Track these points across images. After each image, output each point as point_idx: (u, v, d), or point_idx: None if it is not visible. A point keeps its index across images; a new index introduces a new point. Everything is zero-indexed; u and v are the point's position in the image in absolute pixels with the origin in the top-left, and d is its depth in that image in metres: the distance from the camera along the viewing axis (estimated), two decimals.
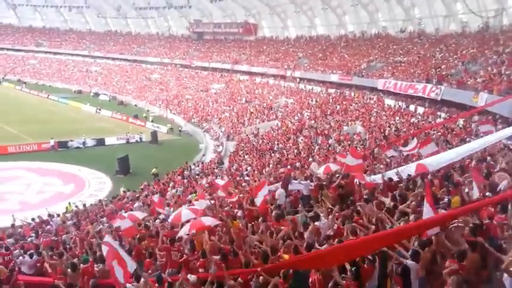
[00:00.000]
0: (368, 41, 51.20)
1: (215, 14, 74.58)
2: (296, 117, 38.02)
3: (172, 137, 42.47)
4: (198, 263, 8.09)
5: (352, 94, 41.07)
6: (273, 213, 11.22)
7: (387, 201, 9.48)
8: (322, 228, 8.77)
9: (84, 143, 36.39)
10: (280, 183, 12.93)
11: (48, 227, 15.85)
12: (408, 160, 14.89)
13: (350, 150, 14.70)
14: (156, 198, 15.97)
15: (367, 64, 44.45)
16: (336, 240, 7.38)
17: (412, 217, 7.51)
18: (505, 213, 7.07)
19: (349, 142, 25.05)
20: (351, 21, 58.11)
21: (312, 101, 42.66)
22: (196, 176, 24.71)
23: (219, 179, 18.44)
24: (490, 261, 5.92)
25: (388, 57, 43.56)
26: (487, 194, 8.64)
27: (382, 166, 14.60)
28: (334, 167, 14.07)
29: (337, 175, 13.07)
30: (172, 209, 13.70)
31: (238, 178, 20.76)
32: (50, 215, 17.55)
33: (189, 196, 17.34)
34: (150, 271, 8.61)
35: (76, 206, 20.14)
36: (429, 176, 10.88)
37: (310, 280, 6.43)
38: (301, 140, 29.86)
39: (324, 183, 12.22)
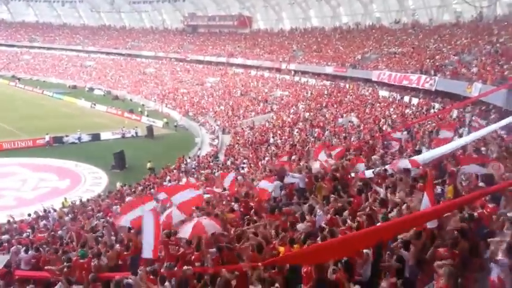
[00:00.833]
0: (362, 33, 51.16)
1: (209, 7, 74.17)
2: (291, 110, 38.05)
3: (168, 131, 42.40)
4: (193, 257, 8.15)
5: (347, 86, 41.11)
6: (268, 206, 11.34)
7: (382, 191, 9.61)
8: (317, 220, 8.86)
9: (79, 138, 36.28)
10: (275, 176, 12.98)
11: (45, 222, 15.88)
12: (403, 154, 14.98)
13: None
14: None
15: (362, 56, 44.45)
16: (327, 230, 7.43)
17: (403, 207, 7.62)
18: (496, 203, 7.18)
19: (344, 134, 25.12)
20: (345, 13, 58.01)
21: (307, 93, 42.68)
22: (193, 170, 24.76)
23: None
24: (482, 249, 6.02)
25: (382, 49, 43.57)
26: (480, 184, 8.76)
27: (377, 157, 14.67)
28: (329, 159, 14.13)
29: (332, 167, 13.18)
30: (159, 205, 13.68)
31: (234, 171, 20.78)
32: (45, 210, 17.55)
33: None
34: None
35: (73, 202, 20.14)
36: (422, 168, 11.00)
37: (303, 271, 6.53)
38: (297, 132, 29.92)
39: (319, 175, 12.29)
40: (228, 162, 25.89)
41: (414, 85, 32.25)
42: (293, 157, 19.20)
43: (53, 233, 13.58)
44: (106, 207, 17.24)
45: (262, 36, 65.28)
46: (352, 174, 12.24)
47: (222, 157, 29.86)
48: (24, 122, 40.53)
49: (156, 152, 32.38)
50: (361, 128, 25.64)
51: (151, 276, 7.42)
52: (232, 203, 12.13)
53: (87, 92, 62.74)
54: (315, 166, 13.94)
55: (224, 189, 15.06)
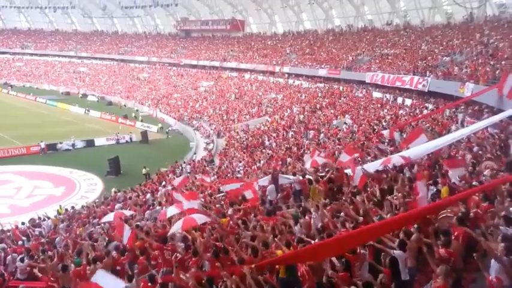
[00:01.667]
0: (355, 35, 51.44)
1: (202, 11, 74.26)
2: (286, 113, 38.11)
3: (162, 136, 42.30)
4: (191, 262, 8.14)
5: (341, 88, 41.26)
6: (264, 209, 11.36)
7: (376, 193, 9.64)
8: (313, 223, 8.86)
9: (73, 145, 36.06)
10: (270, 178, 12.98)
11: (39, 229, 15.75)
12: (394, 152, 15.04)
13: (345, 148, 14.91)
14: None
15: (355, 58, 44.66)
16: (326, 233, 7.49)
17: (401, 209, 7.67)
18: (488, 202, 7.23)
19: (339, 136, 25.19)
20: (337, 15, 58.28)
21: (301, 96, 42.78)
22: (188, 174, 24.68)
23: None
24: (479, 249, 6.04)
25: (375, 51, 43.81)
26: (474, 183, 8.82)
27: (369, 158, 14.74)
28: (320, 161, 14.20)
29: (326, 169, 13.22)
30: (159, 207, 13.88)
31: (229, 175, 20.82)
32: (40, 218, 17.41)
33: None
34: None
35: (66, 209, 19.98)
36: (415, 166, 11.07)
37: (299, 272, 6.54)
38: (291, 135, 29.97)
39: (312, 177, 12.31)
40: (223, 166, 25.87)
41: (407, 86, 32.43)
42: (288, 160, 19.26)
43: (47, 240, 13.47)
44: (101, 214, 17.12)
45: (256, 39, 65.42)
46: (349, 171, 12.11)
47: (217, 161, 29.82)
48: (18, 130, 40.22)
49: (151, 157, 32.27)
50: (356, 129, 25.74)
51: (149, 284, 7.40)
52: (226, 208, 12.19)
53: (80, 98, 62.45)
54: (307, 166, 14.08)
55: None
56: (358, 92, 38.49)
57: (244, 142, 32.06)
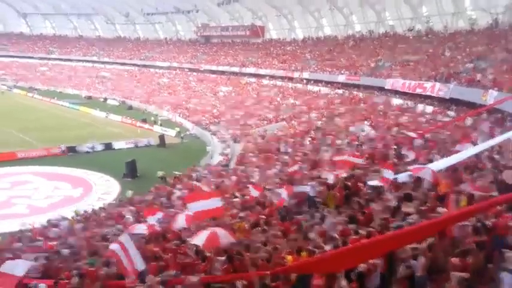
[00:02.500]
0: (376, 41, 50.86)
1: (222, 17, 74.83)
2: (304, 119, 37.86)
3: (180, 140, 42.61)
4: (200, 267, 8.03)
5: (360, 94, 40.81)
6: (279, 215, 11.22)
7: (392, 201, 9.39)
8: (328, 230, 8.69)
9: (93, 148, 36.68)
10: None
11: (56, 229, 15.96)
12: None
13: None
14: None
15: (375, 64, 44.13)
16: (341, 240, 7.31)
17: (416, 217, 7.41)
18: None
19: (357, 143, 24.80)
20: (358, 21, 57.79)
21: (319, 102, 42.48)
22: (203, 178, 24.69)
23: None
24: (495, 260, 5.77)
25: (396, 57, 43.21)
26: (493, 193, 8.48)
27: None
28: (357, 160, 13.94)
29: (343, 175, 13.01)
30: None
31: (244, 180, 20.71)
32: (57, 219, 17.66)
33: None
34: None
35: (85, 211, 20.25)
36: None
37: (313, 284, 6.34)
38: (309, 141, 29.69)
39: (332, 183, 12.13)
40: (239, 171, 25.76)
41: (428, 93, 31.81)
42: (304, 166, 19.03)
43: (63, 241, 13.62)
44: (117, 216, 17.26)
45: (275, 45, 65.45)
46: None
47: (233, 166, 29.76)
48: (40, 132, 41.19)
49: (168, 161, 32.50)
50: (374, 136, 25.30)
51: (161, 286, 7.32)
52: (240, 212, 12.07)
53: (102, 103, 63.62)
54: (329, 176, 13.69)
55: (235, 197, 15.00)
56: (378, 99, 37.96)
57: (261, 147, 31.92)
